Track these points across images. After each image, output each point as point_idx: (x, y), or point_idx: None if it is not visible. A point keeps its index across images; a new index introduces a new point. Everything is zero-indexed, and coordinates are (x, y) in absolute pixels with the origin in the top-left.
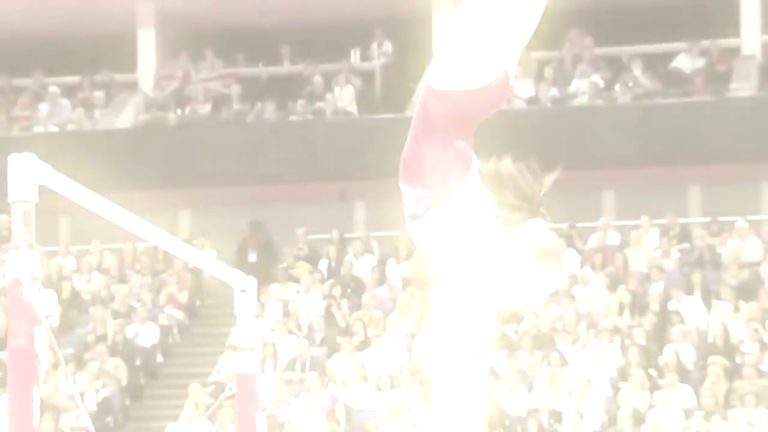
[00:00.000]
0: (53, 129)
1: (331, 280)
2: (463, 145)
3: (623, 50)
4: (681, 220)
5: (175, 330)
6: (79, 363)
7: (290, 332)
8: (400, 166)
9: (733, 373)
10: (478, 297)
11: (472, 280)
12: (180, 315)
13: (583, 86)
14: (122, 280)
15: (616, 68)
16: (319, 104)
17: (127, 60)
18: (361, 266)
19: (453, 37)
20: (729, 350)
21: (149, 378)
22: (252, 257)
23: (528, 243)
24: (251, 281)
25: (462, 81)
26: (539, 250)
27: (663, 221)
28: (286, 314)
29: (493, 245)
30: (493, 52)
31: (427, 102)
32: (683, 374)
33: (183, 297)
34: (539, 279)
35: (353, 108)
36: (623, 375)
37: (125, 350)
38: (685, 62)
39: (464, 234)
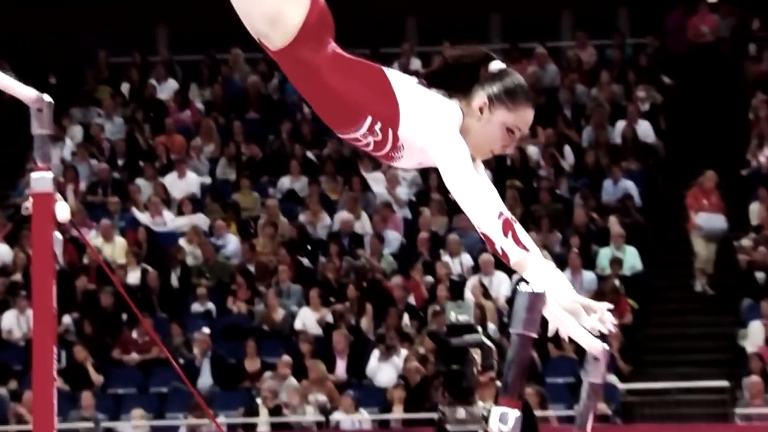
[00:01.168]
0: None
1: (133, 104)
2: (351, 56)
3: None
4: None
5: None
6: None
7: (92, 155)
8: (329, 125)
9: (529, 196)
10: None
11: (465, 157)
12: None
13: None
14: None
15: None
16: None
17: None
18: (164, 90)
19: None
20: (526, 174)
21: None
22: (52, 79)
23: (497, 85)
24: (48, 100)
25: (293, 22)
26: (508, 90)
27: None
28: (88, 138)
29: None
30: None
31: (297, 58)
32: None
33: None
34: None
35: None
36: (423, 199)
37: None
38: None
39: (442, 123)
